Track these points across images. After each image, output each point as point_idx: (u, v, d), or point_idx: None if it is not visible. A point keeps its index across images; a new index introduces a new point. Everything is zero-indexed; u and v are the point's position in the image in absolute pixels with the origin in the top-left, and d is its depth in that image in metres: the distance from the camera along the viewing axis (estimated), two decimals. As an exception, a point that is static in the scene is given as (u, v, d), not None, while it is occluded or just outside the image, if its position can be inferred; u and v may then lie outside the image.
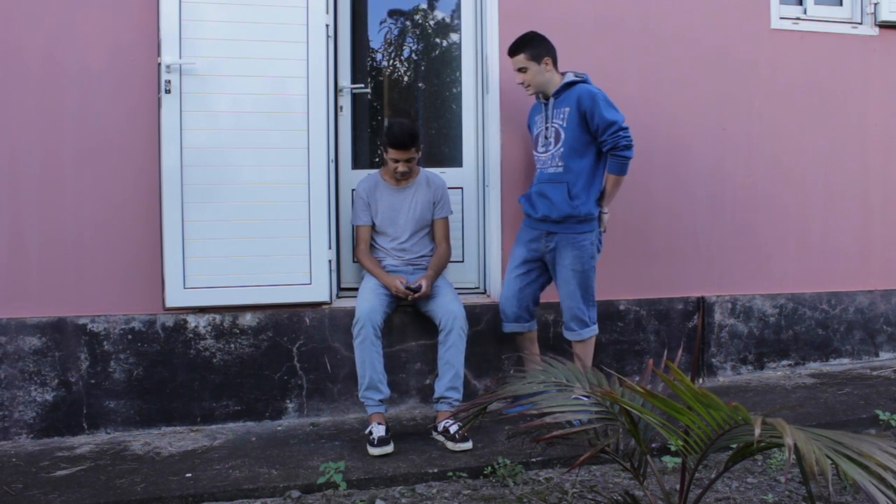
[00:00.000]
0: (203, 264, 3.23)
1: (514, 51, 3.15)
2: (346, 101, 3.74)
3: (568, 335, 3.20)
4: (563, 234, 3.12)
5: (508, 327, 3.32)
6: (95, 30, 3.21)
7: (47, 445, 3.09)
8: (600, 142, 3.03)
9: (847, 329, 4.09)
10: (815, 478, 1.10)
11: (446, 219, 3.41)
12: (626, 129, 2.99)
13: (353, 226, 3.40)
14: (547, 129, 3.17)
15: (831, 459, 1.19)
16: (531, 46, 3.11)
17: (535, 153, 3.28)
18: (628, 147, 2.99)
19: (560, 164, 3.12)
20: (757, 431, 1.12)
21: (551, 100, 3.16)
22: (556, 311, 3.44)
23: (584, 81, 3.14)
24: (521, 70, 3.14)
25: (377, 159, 3.58)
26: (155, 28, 3.18)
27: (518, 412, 2.82)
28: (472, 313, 3.44)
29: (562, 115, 3.11)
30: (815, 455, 1.11)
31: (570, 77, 3.15)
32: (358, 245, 3.35)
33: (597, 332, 3.20)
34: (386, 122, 3.30)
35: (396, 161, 3.19)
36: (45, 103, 3.18)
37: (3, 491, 2.57)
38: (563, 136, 3.10)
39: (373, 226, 3.36)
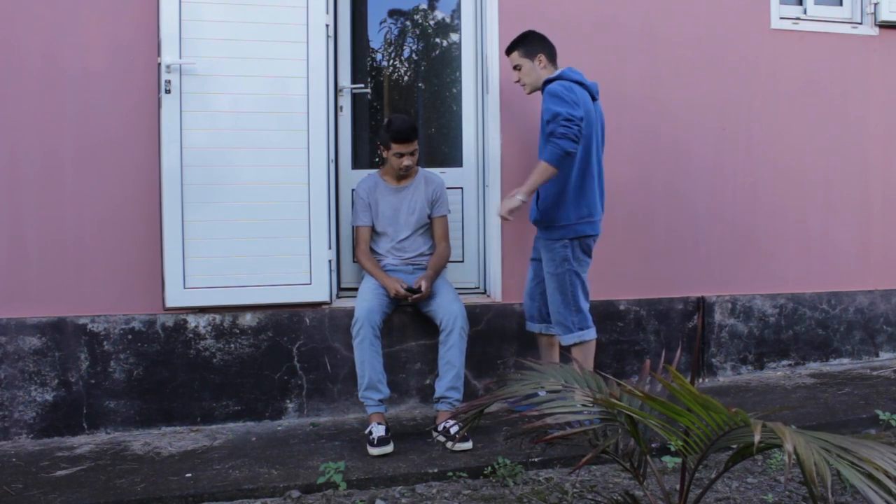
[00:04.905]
0: (203, 264, 3.23)
1: (509, 49, 3.17)
2: (346, 101, 3.74)
3: (560, 339, 3.17)
4: (541, 238, 3.13)
5: (528, 326, 3.36)
6: (95, 30, 3.21)
7: (47, 445, 3.10)
8: (547, 133, 2.89)
9: (847, 329, 4.09)
10: (815, 482, 1.10)
11: (445, 217, 3.41)
12: (571, 120, 2.81)
13: (352, 226, 3.40)
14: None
15: (830, 463, 1.19)
16: (525, 44, 3.12)
17: None
18: (564, 136, 2.79)
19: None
20: (757, 437, 1.13)
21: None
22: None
23: (560, 77, 3.01)
24: (516, 68, 3.14)
25: (377, 159, 3.58)
26: (155, 28, 3.18)
27: (524, 411, 2.82)
28: (473, 313, 3.44)
29: (539, 115, 3.10)
30: (814, 459, 1.12)
31: (554, 74, 3.07)
32: (358, 245, 3.35)
33: (586, 338, 3.06)
34: (386, 121, 3.29)
35: (401, 155, 3.20)
36: (45, 103, 3.18)
37: (3, 491, 2.57)
38: (539, 136, 3.11)
39: (372, 227, 3.36)
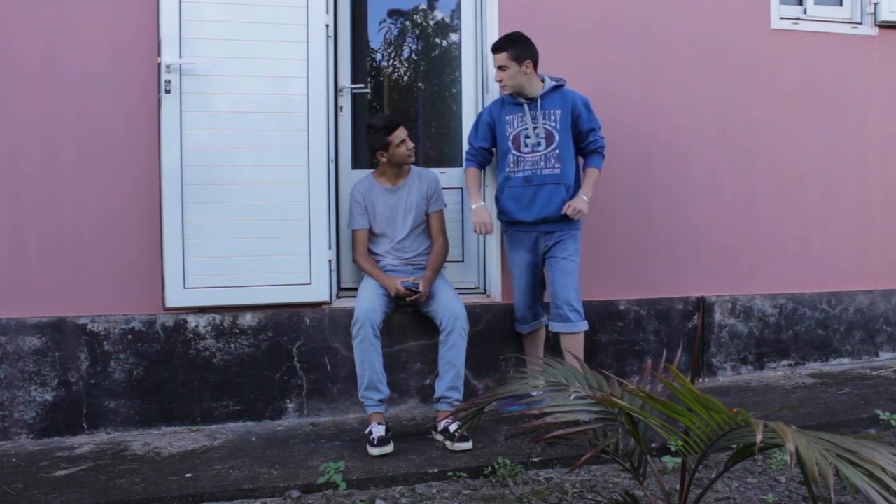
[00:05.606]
0: (203, 264, 3.23)
1: (497, 48, 3.18)
2: (346, 101, 3.74)
3: (562, 327, 3.18)
4: (563, 231, 3.22)
5: (521, 328, 3.42)
6: (95, 30, 3.21)
7: (47, 445, 3.10)
8: (589, 141, 3.26)
9: (847, 329, 4.09)
10: (817, 481, 1.10)
11: (441, 212, 3.41)
12: None
13: (350, 230, 3.39)
14: (535, 129, 3.20)
15: (832, 463, 1.19)
16: (514, 47, 3.13)
17: (512, 153, 3.26)
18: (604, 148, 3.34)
19: (557, 165, 3.19)
20: (759, 437, 1.13)
21: (538, 101, 3.19)
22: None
23: (564, 86, 3.25)
24: (501, 68, 3.17)
25: (376, 159, 3.56)
26: (155, 28, 3.18)
27: (517, 411, 2.83)
28: (472, 313, 3.44)
29: (553, 117, 3.18)
30: (816, 459, 1.12)
31: (555, 81, 3.23)
32: (356, 248, 3.35)
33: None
34: (366, 128, 3.31)
35: (403, 141, 3.24)
36: (45, 103, 3.18)
37: (3, 491, 2.57)
38: (557, 137, 3.18)
39: (370, 230, 3.35)
